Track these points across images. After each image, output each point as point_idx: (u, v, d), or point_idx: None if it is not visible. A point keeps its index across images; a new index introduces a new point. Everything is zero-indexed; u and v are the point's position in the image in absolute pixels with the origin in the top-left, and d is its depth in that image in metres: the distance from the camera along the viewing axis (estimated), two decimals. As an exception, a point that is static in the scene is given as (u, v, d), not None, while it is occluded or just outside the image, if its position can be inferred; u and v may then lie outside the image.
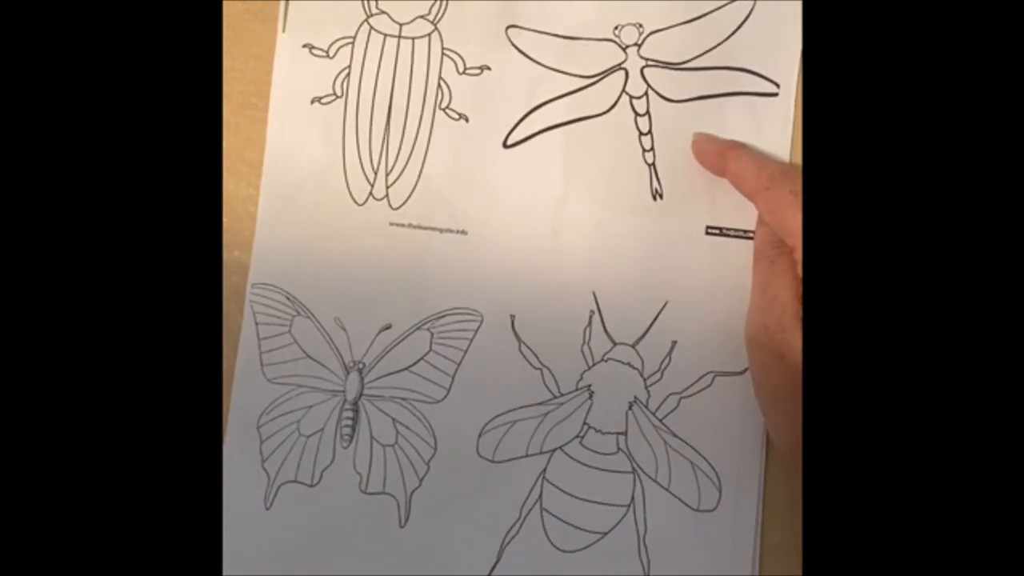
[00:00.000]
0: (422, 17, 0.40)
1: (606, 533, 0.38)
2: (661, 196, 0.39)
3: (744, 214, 0.38)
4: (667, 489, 0.38)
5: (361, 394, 0.39)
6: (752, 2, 0.39)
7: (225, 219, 0.40)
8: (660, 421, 0.38)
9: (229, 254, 0.40)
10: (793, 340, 0.33)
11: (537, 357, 0.39)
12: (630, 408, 0.38)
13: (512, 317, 0.39)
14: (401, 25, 0.40)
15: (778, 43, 0.39)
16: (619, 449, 0.38)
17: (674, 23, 0.39)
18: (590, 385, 0.39)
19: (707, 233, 0.39)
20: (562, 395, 0.39)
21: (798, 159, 0.38)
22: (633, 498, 0.38)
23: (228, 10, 0.40)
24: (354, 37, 0.40)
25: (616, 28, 0.39)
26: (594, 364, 0.39)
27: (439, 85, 0.40)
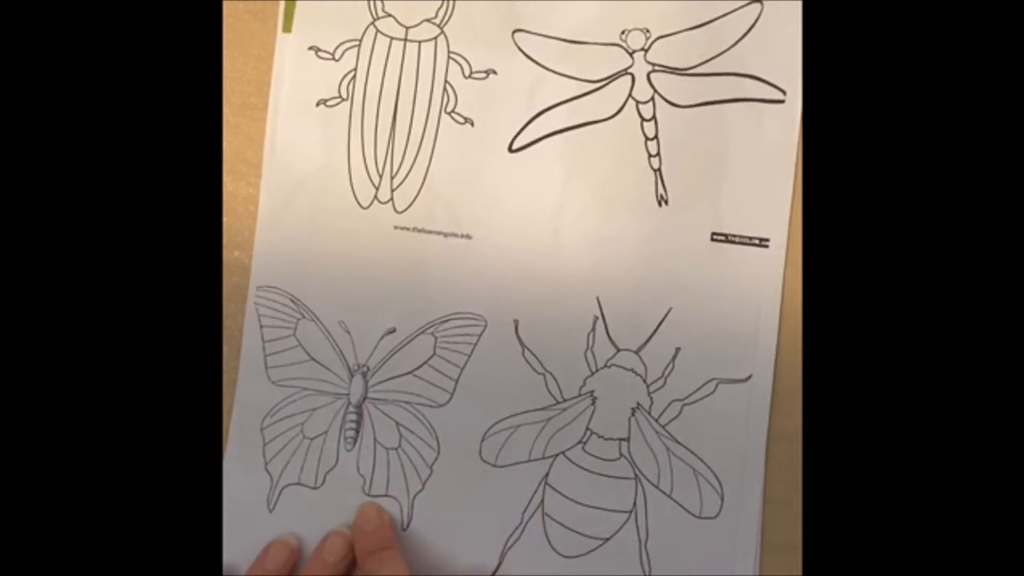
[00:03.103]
0: (428, 20, 0.40)
1: (608, 539, 0.38)
2: (666, 202, 0.39)
3: (751, 221, 0.38)
4: (669, 496, 0.38)
5: (365, 397, 0.40)
6: (760, 7, 0.38)
7: (225, 219, 0.40)
8: (663, 428, 0.38)
9: (229, 254, 0.40)
10: None
11: (540, 362, 0.39)
12: (633, 414, 0.38)
13: (516, 322, 0.39)
14: (407, 28, 0.40)
15: (785, 49, 0.38)
16: (621, 455, 0.38)
17: (681, 28, 0.39)
18: (593, 391, 0.39)
19: (712, 239, 0.39)
20: (565, 400, 0.39)
21: (803, 166, 0.38)
22: (635, 504, 0.38)
23: (228, 10, 0.40)
24: (360, 40, 0.40)
25: (623, 33, 0.39)
26: (597, 370, 0.39)
27: (445, 89, 0.40)
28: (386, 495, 0.39)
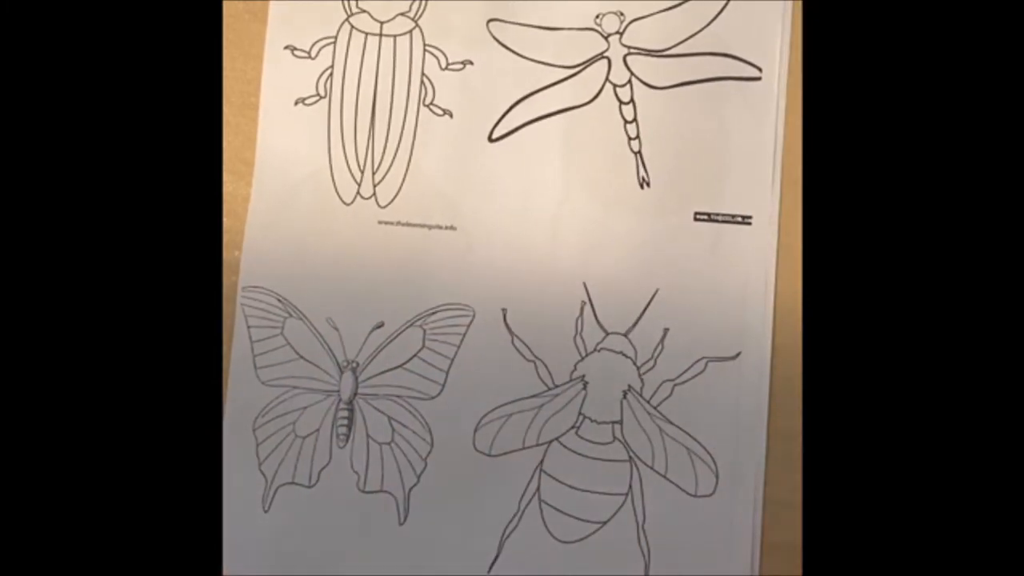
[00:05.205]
0: (403, 14, 0.40)
1: (605, 522, 0.38)
2: (648, 184, 0.39)
3: (733, 199, 0.38)
4: (664, 476, 0.38)
5: (356, 393, 0.39)
6: (731, -14, 0.38)
7: (224, 219, 0.40)
8: (655, 408, 0.38)
9: (229, 254, 0.40)
10: None
11: (530, 350, 0.39)
12: (624, 397, 0.38)
13: (504, 311, 0.39)
14: (382, 23, 0.40)
15: (760, 28, 0.39)
16: (615, 438, 0.38)
17: (655, 10, 0.39)
18: (584, 375, 0.38)
19: (696, 219, 0.39)
20: (556, 387, 0.39)
21: (782, 142, 0.38)
22: (631, 486, 0.38)
23: (228, 10, 0.40)
24: (335, 37, 0.40)
25: (597, 17, 0.39)
26: (587, 354, 0.38)
27: (422, 82, 0.40)
28: (381, 491, 0.39)
